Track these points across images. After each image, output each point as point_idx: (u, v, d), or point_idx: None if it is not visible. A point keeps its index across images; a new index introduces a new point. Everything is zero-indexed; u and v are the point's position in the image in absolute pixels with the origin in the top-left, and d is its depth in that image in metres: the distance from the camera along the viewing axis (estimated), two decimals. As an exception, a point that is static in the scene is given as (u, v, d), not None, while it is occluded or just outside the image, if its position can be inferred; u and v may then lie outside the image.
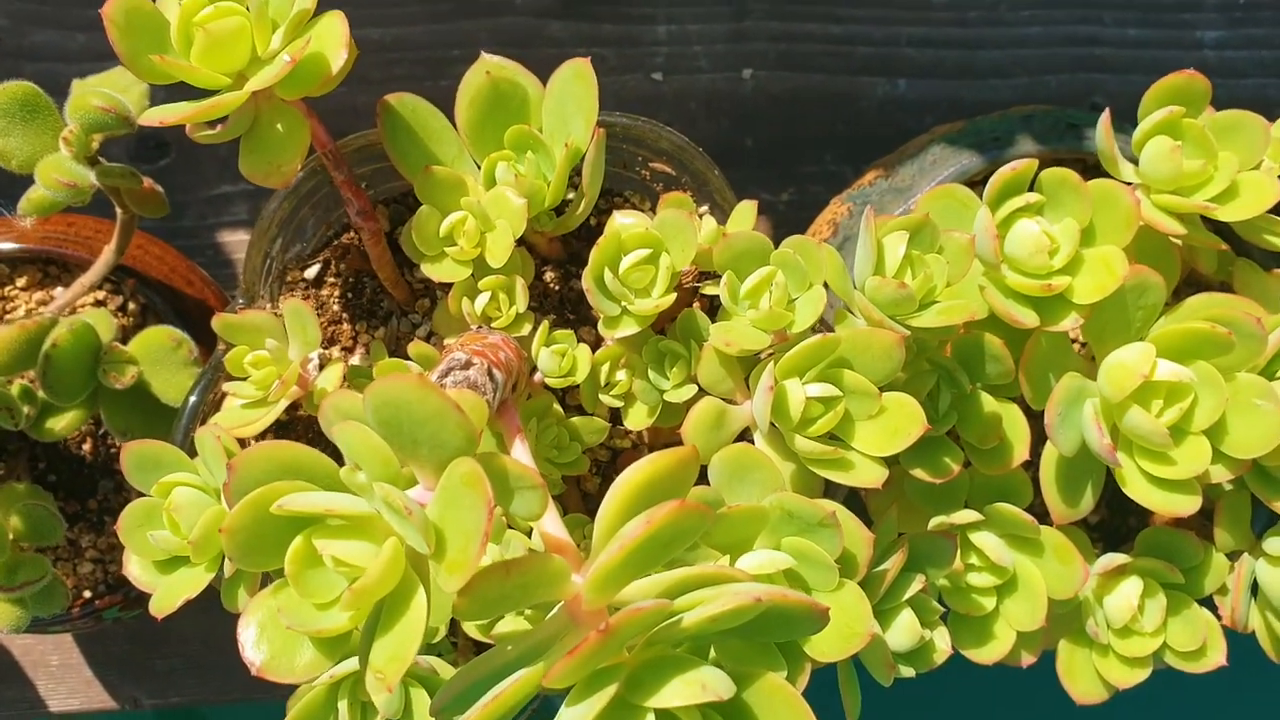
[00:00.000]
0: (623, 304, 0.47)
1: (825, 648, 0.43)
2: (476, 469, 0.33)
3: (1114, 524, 0.67)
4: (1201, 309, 0.53)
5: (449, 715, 0.34)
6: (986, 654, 0.56)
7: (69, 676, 0.77)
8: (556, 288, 0.55)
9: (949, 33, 0.82)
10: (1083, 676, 0.58)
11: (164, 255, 0.62)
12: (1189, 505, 0.51)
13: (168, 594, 0.44)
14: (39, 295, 0.61)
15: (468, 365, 0.40)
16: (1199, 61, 0.86)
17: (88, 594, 0.61)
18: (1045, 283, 0.50)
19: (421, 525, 0.33)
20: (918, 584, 0.49)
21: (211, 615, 0.77)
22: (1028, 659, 0.57)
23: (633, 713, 0.34)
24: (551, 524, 0.39)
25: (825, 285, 0.48)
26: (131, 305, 0.61)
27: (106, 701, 0.77)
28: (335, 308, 0.54)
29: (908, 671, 0.50)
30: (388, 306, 0.54)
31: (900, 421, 0.45)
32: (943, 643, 0.51)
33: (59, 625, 0.61)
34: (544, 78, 0.83)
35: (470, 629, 0.49)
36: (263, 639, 0.35)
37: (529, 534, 0.47)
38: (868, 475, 0.45)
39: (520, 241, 0.53)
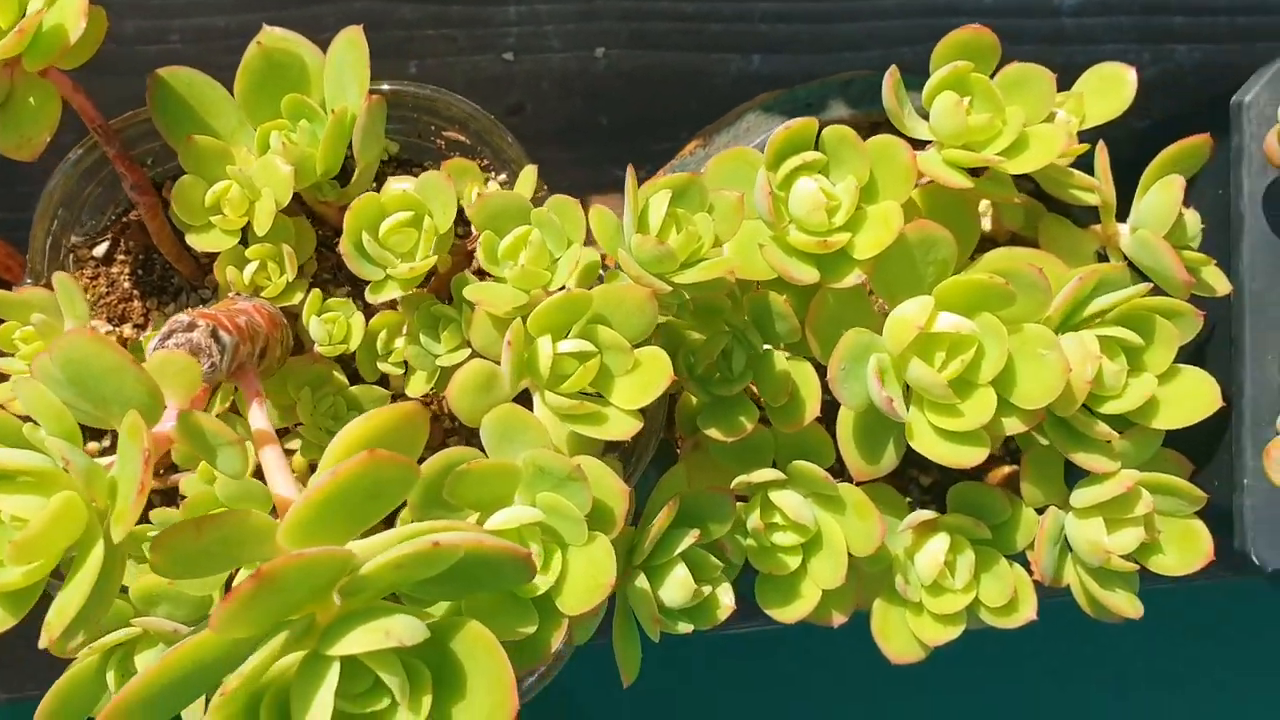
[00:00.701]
0: (386, 268, 0.47)
1: (573, 601, 0.44)
2: (137, 420, 0.33)
3: (947, 485, 0.67)
4: (992, 263, 0.54)
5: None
6: (792, 612, 0.56)
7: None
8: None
9: (804, 7, 0.82)
10: (897, 635, 0.58)
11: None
12: (974, 456, 0.51)
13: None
14: None
15: (191, 327, 0.40)
16: (1056, 29, 0.86)
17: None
18: (822, 239, 0.51)
19: (84, 476, 0.33)
20: (690, 538, 0.49)
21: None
22: (839, 618, 0.58)
23: (321, 661, 0.35)
24: (282, 483, 0.39)
25: (594, 243, 0.48)
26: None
27: (-35, 695, 0.77)
28: (126, 284, 0.54)
29: (686, 627, 0.50)
30: (178, 283, 0.54)
31: (652, 375, 0.45)
32: (726, 599, 0.51)
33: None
34: (398, 63, 0.83)
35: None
36: (-55, 596, 0.35)
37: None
38: (620, 428, 0.45)
39: (309, 214, 0.53)
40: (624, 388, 0.46)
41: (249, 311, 0.43)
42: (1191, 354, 0.64)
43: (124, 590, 0.48)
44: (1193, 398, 0.55)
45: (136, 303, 0.54)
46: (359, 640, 0.34)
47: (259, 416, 0.41)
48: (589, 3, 0.80)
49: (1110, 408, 0.55)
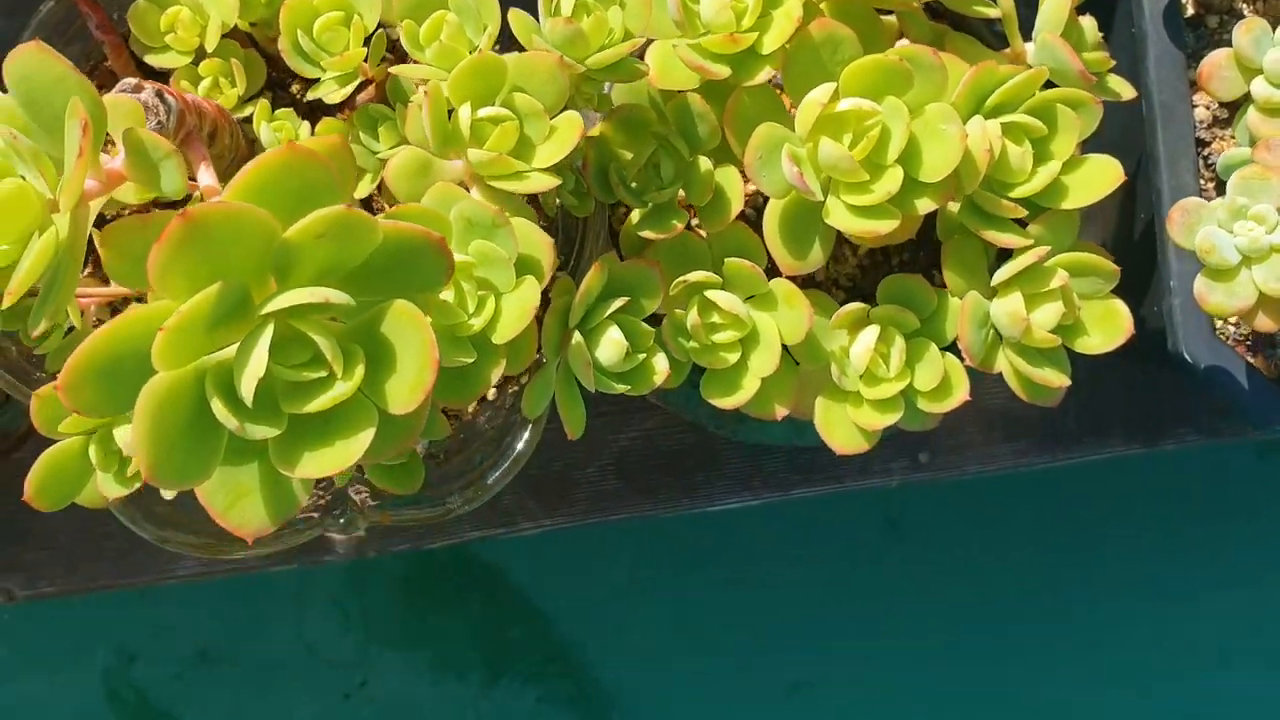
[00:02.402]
0: (321, 64, 0.52)
1: (505, 330, 0.47)
2: (75, 101, 0.37)
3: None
4: (893, 51, 0.58)
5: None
6: (735, 400, 0.59)
7: (-57, 572, 0.81)
8: (302, 97, 0.60)
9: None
10: (840, 427, 0.62)
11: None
12: (888, 225, 0.55)
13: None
14: None
15: (138, 89, 0.44)
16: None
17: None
18: (731, 35, 0.55)
19: (32, 155, 0.37)
20: (619, 303, 0.52)
21: (78, 508, 0.82)
22: (780, 410, 0.61)
23: (256, 327, 0.38)
24: (208, 178, 0.44)
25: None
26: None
27: (-18, 594, 0.81)
28: (100, 129, 0.59)
29: (621, 387, 0.53)
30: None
31: (566, 135, 0.49)
32: (661, 364, 0.55)
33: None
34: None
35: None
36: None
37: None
38: (539, 183, 0.49)
39: (257, 50, 0.58)
40: (543, 153, 0.50)
41: (195, 97, 0.48)
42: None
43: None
44: (1098, 178, 0.59)
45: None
46: (293, 297, 0.38)
47: (207, 175, 0.45)
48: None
49: (1020, 192, 0.59)
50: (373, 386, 0.40)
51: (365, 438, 0.40)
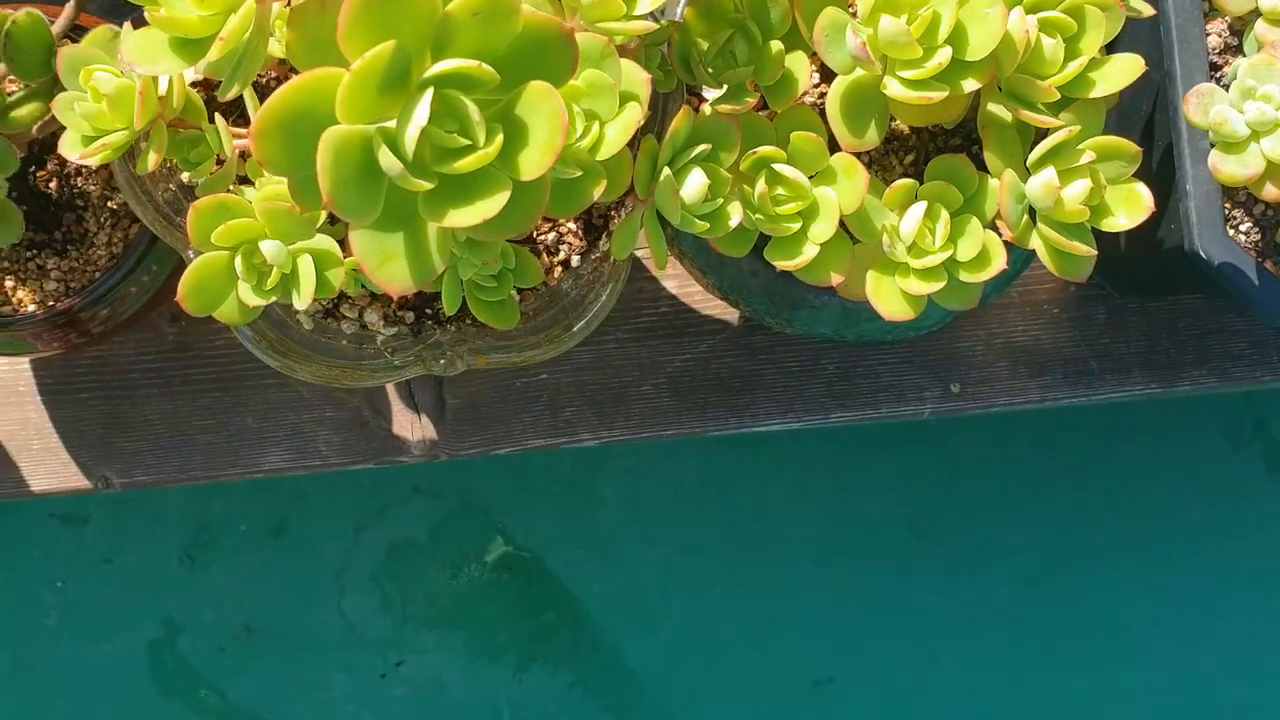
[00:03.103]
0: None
1: (607, 149, 0.54)
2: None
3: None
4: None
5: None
6: (794, 263, 0.66)
7: (48, 459, 0.87)
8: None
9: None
10: (889, 295, 0.68)
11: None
12: (938, 94, 0.62)
13: (93, 152, 0.55)
14: None
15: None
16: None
17: (51, 303, 0.73)
18: (801, -75, 0.63)
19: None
20: (703, 148, 0.60)
21: (173, 401, 0.89)
22: (836, 278, 0.67)
23: (418, 91, 0.45)
24: None
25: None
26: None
27: (81, 482, 0.87)
28: None
29: (702, 225, 0.60)
30: None
31: (660, -12, 0.57)
32: (735, 215, 0.61)
33: (25, 327, 0.72)
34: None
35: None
36: (137, 46, 0.46)
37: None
38: (640, 26, 0.56)
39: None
40: (641, 5, 0.57)
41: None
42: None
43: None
44: (1123, 71, 0.66)
45: None
46: (452, 64, 0.45)
47: None
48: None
49: (1052, 80, 0.66)
50: (508, 157, 0.47)
51: (500, 199, 0.46)
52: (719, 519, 1.56)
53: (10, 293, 0.72)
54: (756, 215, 0.66)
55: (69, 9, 0.70)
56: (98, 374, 0.87)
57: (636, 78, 0.56)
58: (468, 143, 0.46)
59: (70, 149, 0.56)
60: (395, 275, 0.49)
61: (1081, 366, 0.96)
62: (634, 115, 0.54)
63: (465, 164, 0.46)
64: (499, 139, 0.46)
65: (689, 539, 1.55)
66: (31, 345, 0.73)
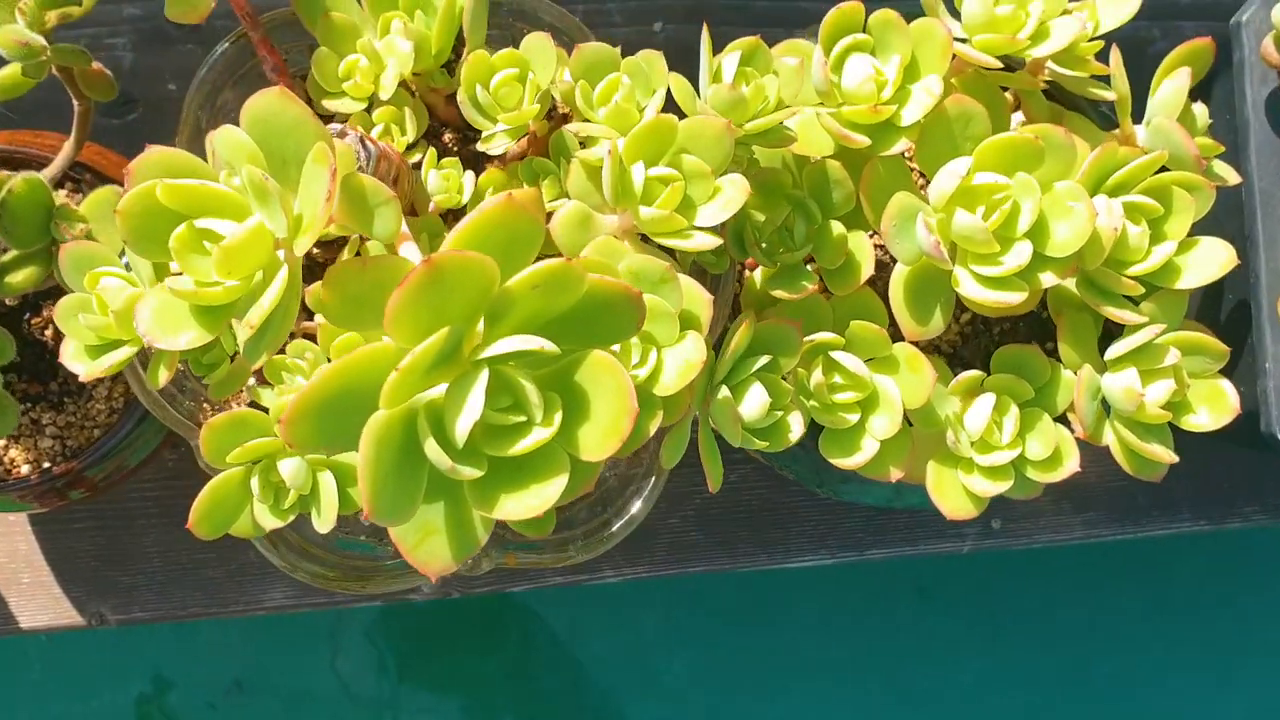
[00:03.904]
0: (495, 118, 0.54)
1: (668, 383, 0.49)
2: (324, 148, 0.39)
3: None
4: (1020, 128, 0.60)
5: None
6: (853, 461, 0.61)
7: (39, 593, 0.82)
8: (455, 148, 0.62)
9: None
10: (951, 491, 0.63)
11: (121, 162, 0.70)
12: (1016, 298, 0.57)
13: (96, 367, 0.50)
14: (4, 197, 0.68)
15: (343, 134, 0.47)
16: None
17: (46, 464, 0.67)
18: (873, 107, 0.57)
19: (278, 196, 0.39)
20: (763, 360, 0.55)
21: (172, 534, 0.83)
22: (895, 473, 0.63)
23: (472, 371, 0.40)
24: (411, 253, 0.46)
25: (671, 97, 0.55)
26: (88, 203, 0.68)
27: (74, 617, 0.82)
28: (258, 169, 0.61)
29: (761, 443, 0.55)
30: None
31: (734, 194, 0.52)
32: (796, 426, 0.57)
33: (18, 493, 0.66)
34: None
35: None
36: (154, 316, 0.41)
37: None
38: (703, 242, 0.51)
39: (418, 100, 0.61)
40: (706, 213, 0.52)
41: (386, 146, 0.50)
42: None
43: (264, 409, 0.55)
44: (1209, 260, 0.61)
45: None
46: (506, 345, 0.40)
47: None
48: (647, -19, 0.89)
49: (1136, 270, 0.61)
50: (567, 433, 0.42)
51: (559, 483, 0.41)
52: (724, 576, 1.52)
53: (1, 452, 0.67)
54: (811, 402, 0.61)
55: (68, 148, 0.64)
56: (93, 503, 0.81)
57: (698, 297, 0.51)
58: (522, 419, 0.41)
59: (74, 360, 0.51)
60: (434, 555, 0.44)
61: (1128, 502, 0.92)
62: (696, 354, 0.49)
63: (522, 447, 0.41)
64: (557, 415, 0.41)
65: (692, 596, 1.51)
66: (28, 505, 0.68)
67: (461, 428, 0.40)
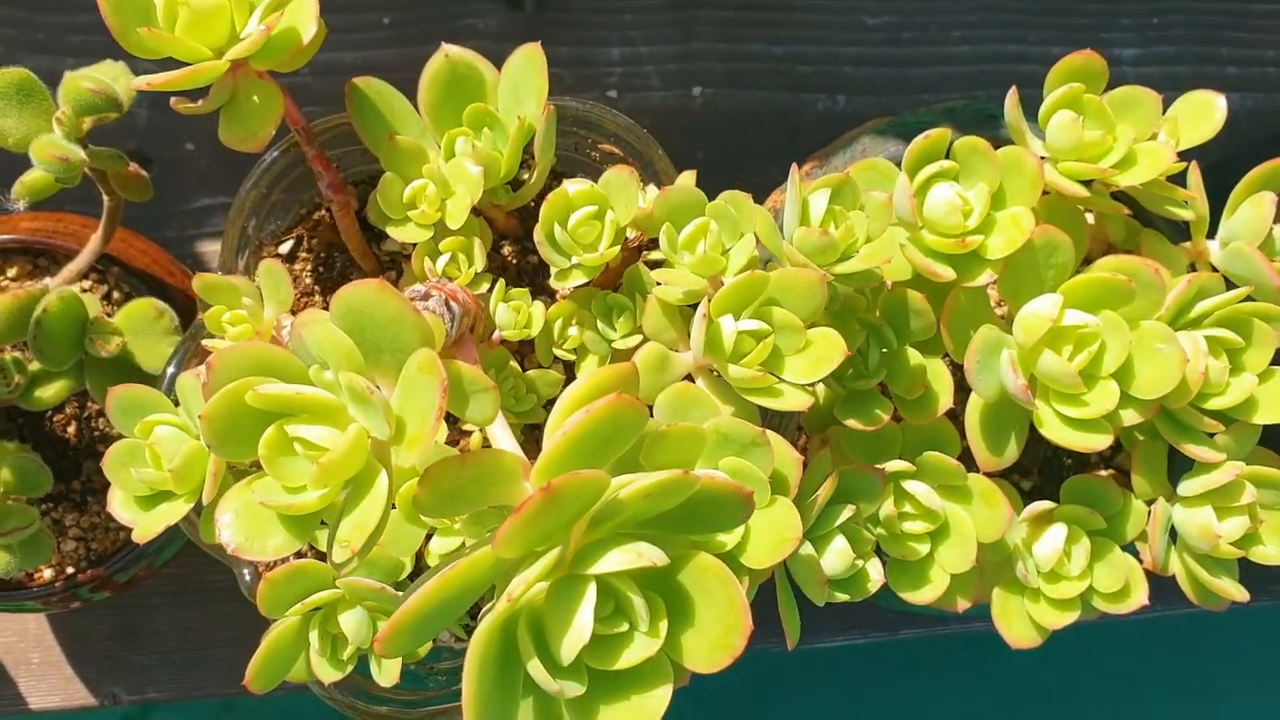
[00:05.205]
0: (572, 257, 0.51)
1: (759, 555, 0.47)
2: (432, 355, 0.36)
3: (1046, 491, 0.71)
4: (1110, 265, 0.58)
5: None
6: (922, 596, 0.59)
7: (50, 674, 0.79)
8: (514, 261, 0.59)
9: (883, 52, 0.88)
10: (1017, 621, 0.62)
11: (147, 249, 0.66)
12: (1100, 442, 0.55)
13: (149, 525, 0.47)
14: (29, 285, 0.65)
15: (427, 296, 0.44)
16: (1118, 77, 0.91)
17: (70, 570, 0.64)
18: (959, 239, 0.55)
19: (382, 408, 0.36)
20: (848, 512, 0.52)
21: (188, 612, 0.81)
22: (963, 604, 0.61)
23: (577, 582, 0.38)
24: (505, 439, 0.43)
25: (756, 239, 0.52)
26: (116, 294, 0.65)
27: (86, 698, 0.79)
28: (308, 280, 0.58)
29: (842, 596, 0.53)
30: (356, 279, 0.58)
31: (825, 350, 0.49)
32: (876, 574, 0.55)
33: (42, 599, 0.64)
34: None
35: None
36: (238, 523, 0.38)
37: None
38: (795, 401, 0.49)
39: (479, 215, 0.58)
40: (795, 365, 0.50)
41: (461, 291, 0.47)
42: None
43: (322, 554, 0.52)
44: (1291, 399, 0.60)
45: (317, 297, 0.58)
46: (615, 560, 0.37)
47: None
48: (686, 45, 0.86)
49: (1215, 404, 0.59)
50: (672, 641, 0.40)
51: (664, 695, 0.39)
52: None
53: (23, 556, 0.64)
54: (879, 530, 0.59)
55: (95, 242, 0.61)
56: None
57: (787, 457, 0.49)
58: (626, 628, 0.39)
59: (122, 510, 0.48)
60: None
61: (1165, 581, 0.91)
62: (791, 529, 0.47)
63: (627, 660, 0.39)
64: (663, 624, 0.39)
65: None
66: (50, 609, 0.65)
67: (569, 648, 0.37)
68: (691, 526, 0.41)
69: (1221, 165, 0.80)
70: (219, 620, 0.80)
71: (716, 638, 0.39)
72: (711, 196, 0.85)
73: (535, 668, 0.38)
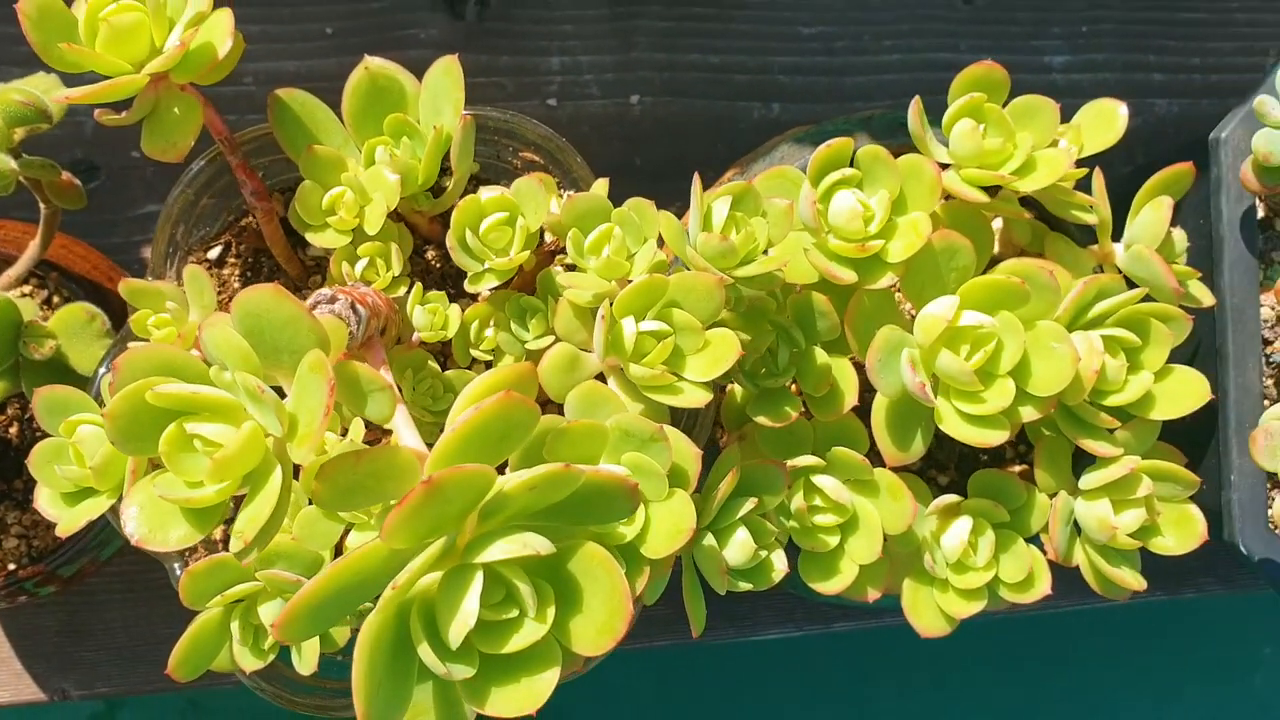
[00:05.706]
0: (484, 261, 0.54)
1: (657, 545, 0.49)
2: (321, 356, 0.39)
3: (962, 485, 0.73)
4: (1008, 268, 0.60)
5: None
6: (831, 586, 0.61)
7: (0, 670, 0.81)
8: (438, 265, 0.62)
9: (817, 61, 0.90)
10: (926, 610, 0.64)
11: (87, 254, 0.68)
12: (997, 437, 0.58)
13: (72, 520, 0.49)
14: (-31, 292, 0.66)
15: (333, 300, 0.46)
16: (1048, 84, 0.94)
17: (12, 566, 0.66)
18: (860, 244, 0.57)
19: (274, 406, 0.39)
20: (749, 505, 0.55)
21: (136, 608, 0.82)
22: (872, 593, 0.63)
23: (465, 570, 0.40)
24: (408, 436, 0.45)
25: (661, 244, 0.55)
26: (56, 299, 0.67)
27: (36, 694, 0.81)
28: (236, 285, 0.60)
29: (745, 585, 0.55)
30: (284, 283, 0.61)
31: (722, 350, 0.52)
32: (780, 564, 0.57)
33: (-16, 595, 0.65)
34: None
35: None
36: (142, 516, 0.40)
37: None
38: (695, 398, 0.51)
39: (402, 221, 0.60)
40: (696, 364, 0.52)
41: (372, 294, 0.49)
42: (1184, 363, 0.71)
43: (244, 549, 0.54)
44: (1185, 392, 0.62)
45: (245, 301, 0.60)
46: (501, 549, 0.40)
47: (385, 375, 0.47)
48: (625, 54, 0.88)
49: (1113, 401, 0.62)
50: (560, 626, 0.42)
51: (552, 676, 0.41)
52: (702, 654, 1.48)
53: (-36, 553, 0.66)
54: (790, 523, 0.61)
55: (33, 249, 0.63)
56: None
57: (686, 452, 0.51)
58: (515, 614, 0.41)
59: (49, 507, 0.50)
60: (424, 736, 0.43)
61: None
62: (687, 519, 0.49)
63: (515, 644, 0.41)
64: (550, 610, 0.41)
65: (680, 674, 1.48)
66: (-10, 605, 0.67)
67: (455, 632, 0.39)
68: (583, 518, 0.44)
69: (1147, 169, 0.82)
70: (166, 615, 0.82)
71: (602, 622, 0.42)
72: (652, 201, 0.88)
73: (425, 651, 0.40)
